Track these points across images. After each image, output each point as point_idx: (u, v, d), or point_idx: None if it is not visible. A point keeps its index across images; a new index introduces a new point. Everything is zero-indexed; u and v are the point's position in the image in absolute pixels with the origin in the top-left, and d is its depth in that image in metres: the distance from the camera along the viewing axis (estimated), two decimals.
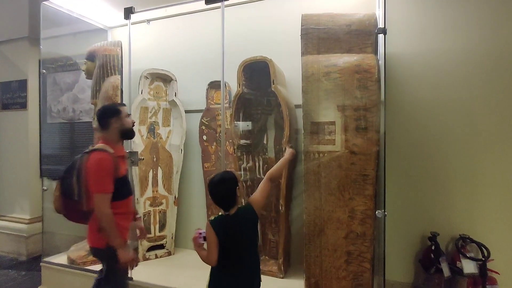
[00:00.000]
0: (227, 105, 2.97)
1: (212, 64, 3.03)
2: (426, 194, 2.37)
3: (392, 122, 2.37)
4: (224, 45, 2.33)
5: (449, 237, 2.30)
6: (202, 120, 3.04)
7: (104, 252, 1.84)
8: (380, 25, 1.98)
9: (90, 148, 1.89)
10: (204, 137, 3.05)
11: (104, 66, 2.85)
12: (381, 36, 1.97)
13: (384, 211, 1.90)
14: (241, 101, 2.72)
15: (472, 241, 2.18)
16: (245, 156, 2.84)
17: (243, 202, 2.09)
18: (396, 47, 2.36)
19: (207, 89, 3.02)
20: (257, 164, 2.90)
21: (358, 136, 1.98)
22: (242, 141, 2.80)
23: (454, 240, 2.24)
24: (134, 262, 1.92)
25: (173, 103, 3.08)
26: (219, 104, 3.01)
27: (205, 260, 1.66)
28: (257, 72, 2.74)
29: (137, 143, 2.89)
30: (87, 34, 3.56)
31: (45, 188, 3.11)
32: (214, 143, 3.04)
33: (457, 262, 2.16)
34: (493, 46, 2.20)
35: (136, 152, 2.62)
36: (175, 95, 3.06)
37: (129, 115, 2.01)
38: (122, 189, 1.87)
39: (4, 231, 4.00)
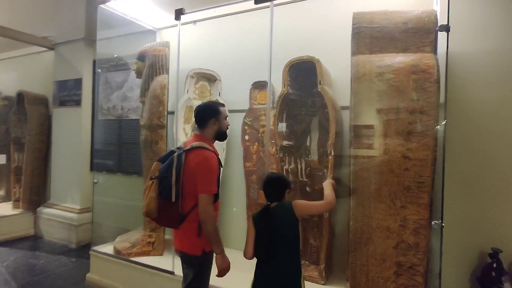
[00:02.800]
0: (270, 105, 2.95)
1: (256, 64, 3.04)
2: (487, 206, 2.17)
3: (452, 126, 2.20)
4: (272, 45, 2.29)
5: None
6: (245, 120, 3.05)
7: (198, 260, 1.76)
8: (442, 22, 1.84)
9: (185, 145, 1.80)
10: (246, 137, 3.05)
11: (153, 65, 2.95)
12: (442, 34, 1.83)
13: (442, 222, 1.77)
14: (285, 102, 2.67)
15: None
16: (287, 158, 2.79)
17: None
18: (456, 46, 2.19)
19: (250, 89, 3.02)
20: (299, 166, 2.84)
21: (413, 141, 1.86)
22: (285, 142, 2.75)
23: None
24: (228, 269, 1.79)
25: None
26: (262, 104, 2.99)
27: (244, 253, 1.75)
28: (302, 72, 2.69)
29: (182, 141, 2.95)
30: (137, 35, 3.72)
31: (95, 181, 3.29)
32: (256, 143, 3.03)
33: None
34: None
35: None
36: (219, 95, 3.09)
37: (226, 117, 1.94)
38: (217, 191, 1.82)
39: (56, 219, 4.30)
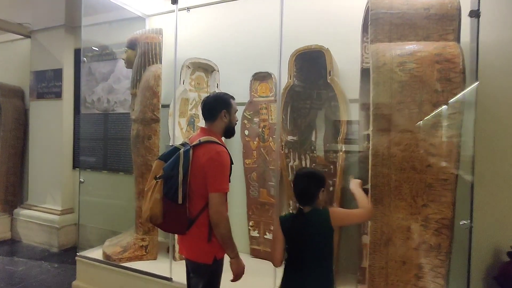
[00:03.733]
0: (272, 98, 2.79)
1: (256, 54, 2.86)
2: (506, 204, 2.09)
3: (482, 121, 2.07)
4: (282, 33, 2.11)
5: None
6: (245, 113, 2.86)
7: (209, 268, 1.57)
8: (471, 7, 1.72)
9: (191, 141, 1.60)
10: (246, 132, 2.87)
11: (145, 54, 2.71)
12: (471, 21, 1.71)
13: (471, 222, 1.66)
14: (290, 94, 2.51)
15: None
16: (291, 154, 2.64)
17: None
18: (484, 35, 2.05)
19: (251, 81, 2.83)
20: (303, 163, 2.70)
21: (437, 135, 1.75)
22: (289, 138, 2.60)
23: None
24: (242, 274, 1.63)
25: None
26: (263, 97, 2.82)
27: (271, 258, 1.60)
28: (306, 63, 2.53)
29: (177, 136, 2.74)
30: (124, 22, 3.45)
31: (82, 180, 3.02)
32: (257, 139, 2.86)
33: None
34: None
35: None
36: (217, 87, 2.89)
37: (236, 111, 1.76)
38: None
39: (36, 221, 3.98)
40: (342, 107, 2.23)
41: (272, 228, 2.78)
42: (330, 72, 2.27)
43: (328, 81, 2.28)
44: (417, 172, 1.77)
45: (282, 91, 2.46)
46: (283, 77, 2.51)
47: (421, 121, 1.75)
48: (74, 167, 3.96)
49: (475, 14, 1.65)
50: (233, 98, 1.74)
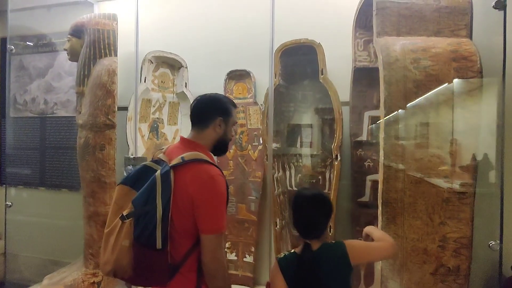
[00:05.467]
0: (250, 99, 2.44)
1: (231, 49, 2.49)
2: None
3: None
4: (273, 25, 1.78)
5: None
6: None
7: None
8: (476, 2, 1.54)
9: (169, 156, 1.19)
10: None
11: (95, 44, 2.20)
12: (496, 14, 1.53)
13: (501, 242, 1.46)
14: (274, 96, 2.19)
15: None
16: (275, 164, 2.31)
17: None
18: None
19: (225, 80, 2.45)
20: (287, 173, 2.38)
21: (454, 142, 1.54)
22: (272, 145, 2.26)
23: None
24: None
25: (182, 96, 2.48)
26: (240, 98, 2.45)
27: None
28: (290, 61, 2.23)
29: (138, 145, 2.26)
30: (66, 8, 2.87)
31: (9, 204, 2.38)
32: (233, 146, 2.48)
33: None
34: None
35: (144, 158, 2.01)
36: (185, 86, 2.46)
37: (235, 123, 1.34)
38: None
39: None
40: (337, 110, 1.96)
41: (252, 249, 2.42)
42: (322, 70, 1.99)
43: (321, 80, 2.00)
44: (433, 186, 1.54)
45: (266, 92, 2.12)
46: (265, 76, 2.18)
47: (438, 126, 1.53)
48: (1, 183, 3.22)
49: (501, 5, 1.46)
50: (235, 106, 1.34)
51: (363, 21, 2.07)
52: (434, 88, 1.52)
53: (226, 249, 2.46)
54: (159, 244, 1.03)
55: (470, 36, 1.63)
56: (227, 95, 2.46)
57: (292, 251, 1.24)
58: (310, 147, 2.34)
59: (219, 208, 1.11)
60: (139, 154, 2.26)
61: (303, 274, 1.16)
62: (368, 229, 1.37)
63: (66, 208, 2.88)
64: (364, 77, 2.13)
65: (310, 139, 2.34)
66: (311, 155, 2.33)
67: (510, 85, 1.61)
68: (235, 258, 2.46)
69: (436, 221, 1.55)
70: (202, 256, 1.09)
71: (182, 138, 1.27)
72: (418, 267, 1.57)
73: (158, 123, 2.42)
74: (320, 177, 2.30)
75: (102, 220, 2.14)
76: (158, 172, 1.09)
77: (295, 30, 2.20)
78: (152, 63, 2.34)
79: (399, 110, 1.53)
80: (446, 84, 1.52)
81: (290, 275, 1.17)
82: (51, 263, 2.74)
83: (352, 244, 1.21)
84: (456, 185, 1.54)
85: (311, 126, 2.34)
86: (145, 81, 2.27)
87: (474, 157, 1.53)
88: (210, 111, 1.23)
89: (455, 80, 1.52)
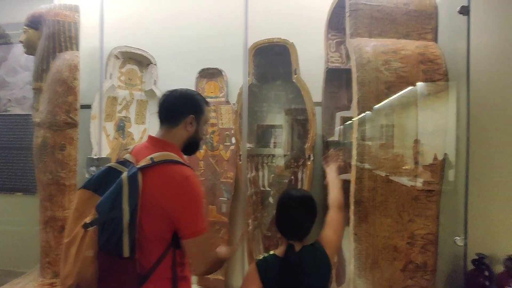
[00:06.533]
0: (222, 99, 2.38)
1: (203, 47, 2.43)
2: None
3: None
4: (247, 22, 1.75)
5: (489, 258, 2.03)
6: None
7: None
8: (459, 3, 1.61)
9: (136, 156, 1.11)
10: None
11: (55, 37, 2.04)
12: (460, 19, 1.59)
13: (466, 237, 1.52)
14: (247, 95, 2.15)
15: None
16: (248, 164, 2.27)
17: None
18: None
19: (196, 78, 2.38)
20: (260, 173, 2.36)
21: (422, 142, 1.59)
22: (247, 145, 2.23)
23: (500, 262, 1.97)
24: None
25: (151, 94, 2.37)
26: (212, 97, 2.39)
27: None
28: (263, 59, 2.21)
29: (102, 145, 2.13)
30: None
31: None
32: (204, 146, 2.41)
33: (506, 286, 1.89)
34: None
35: (109, 159, 1.89)
36: (154, 84, 2.36)
37: (207, 122, 1.30)
38: None
39: None
40: (309, 111, 1.96)
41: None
42: (295, 70, 1.99)
43: (294, 80, 1.99)
44: (404, 184, 1.59)
45: (239, 91, 2.09)
46: (238, 75, 2.15)
47: (408, 128, 1.58)
48: None
49: (465, 10, 1.53)
50: (208, 103, 1.28)
51: (335, 23, 2.09)
52: (405, 88, 1.56)
53: None
54: (126, 252, 0.95)
55: (436, 40, 1.70)
56: None
57: (272, 253, 1.21)
58: (283, 147, 2.33)
59: (199, 209, 1.05)
60: (104, 155, 2.13)
61: (286, 276, 1.13)
62: (331, 177, 1.47)
63: (21, 213, 2.66)
64: (336, 78, 2.16)
65: (283, 139, 2.34)
66: (284, 155, 2.32)
67: (474, 87, 1.69)
68: None
69: (405, 218, 1.59)
70: (192, 263, 1.04)
71: (150, 137, 1.20)
72: (389, 264, 1.60)
73: (124, 122, 2.30)
74: (292, 177, 2.30)
75: (59, 226, 1.99)
76: (125, 174, 1.01)
77: (270, 30, 2.18)
78: (119, 58, 2.22)
79: (371, 111, 1.56)
80: (412, 87, 1.57)
81: (270, 278, 1.14)
82: (4, 274, 2.51)
83: (325, 239, 1.21)
84: (424, 184, 1.60)
85: (284, 126, 2.33)
86: (110, 78, 2.15)
87: (441, 157, 1.59)
88: (181, 108, 1.16)
89: (424, 83, 1.57)
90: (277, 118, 2.35)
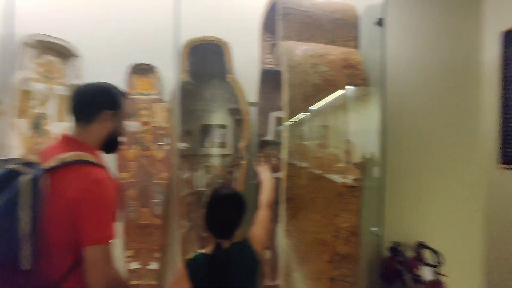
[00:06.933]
0: (155, 96, 2.29)
1: (135, 41, 2.30)
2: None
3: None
4: (179, 18, 1.70)
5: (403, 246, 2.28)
6: None
7: None
8: (377, 15, 1.76)
9: (44, 158, 0.98)
10: None
11: None
12: (379, 30, 1.74)
13: (379, 228, 1.67)
14: (182, 93, 2.10)
15: (427, 247, 2.20)
16: (184, 164, 2.21)
17: None
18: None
19: (127, 74, 2.24)
20: (196, 173, 2.31)
21: (347, 142, 1.71)
22: (180, 145, 2.17)
23: (411, 248, 2.22)
24: None
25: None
26: (144, 94, 2.28)
27: None
28: (198, 58, 2.18)
29: (14, 146, 1.89)
30: None
31: None
32: (134, 147, 2.29)
33: (415, 269, 2.14)
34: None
35: (19, 160, 1.67)
36: (77, 77, 2.16)
37: (128, 116, 1.21)
38: None
39: None
40: (244, 110, 1.98)
41: (157, 255, 2.27)
42: (230, 70, 1.99)
43: (228, 80, 1.99)
44: (331, 181, 1.69)
45: (173, 88, 2.02)
46: (172, 72, 2.08)
47: (334, 128, 1.69)
48: None
49: (380, 22, 1.68)
50: (125, 96, 1.20)
51: (270, 26, 2.14)
52: (332, 92, 1.67)
53: (127, 258, 2.25)
54: (26, 264, 0.85)
55: (357, 47, 1.85)
56: (129, 90, 2.26)
57: (201, 251, 1.20)
58: (220, 147, 2.32)
59: (104, 214, 0.98)
60: (17, 155, 1.89)
61: (215, 274, 1.13)
62: (264, 176, 1.54)
63: None
64: (271, 79, 2.21)
65: (220, 138, 2.33)
66: (221, 155, 2.32)
67: (391, 93, 1.88)
68: (139, 267, 2.27)
69: (332, 213, 1.70)
70: (87, 273, 0.94)
71: (63, 136, 1.09)
72: (317, 257, 1.69)
73: (41, 119, 2.07)
74: (229, 177, 2.30)
75: None
76: (25, 177, 0.90)
77: (206, 28, 2.15)
78: (35, 48, 1.98)
79: (300, 112, 1.63)
80: (341, 90, 1.69)
81: (200, 276, 1.13)
82: None
83: (253, 237, 1.24)
84: (349, 180, 1.72)
85: (221, 125, 2.32)
86: (23, 69, 1.91)
87: (362, 155, 1.73)
88: (95, 103, 1.08)
89: (350, 87, 1.69)
90: (214, 118, 2.33)
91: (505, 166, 2.11)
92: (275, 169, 1.92)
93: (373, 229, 1.73)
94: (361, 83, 1.71)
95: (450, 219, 2.30)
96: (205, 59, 2.17)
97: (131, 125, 2.18)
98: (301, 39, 1.75)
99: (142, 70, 2.26)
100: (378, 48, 1.76)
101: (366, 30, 1.82)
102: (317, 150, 1.67)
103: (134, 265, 2.27)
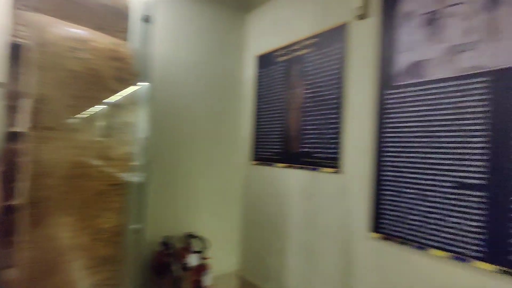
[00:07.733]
0: None
1: None
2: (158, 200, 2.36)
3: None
4: None
5: (175, 239, 2.42)
6: None
7: None
8: (144, 10, 1.74)
9: None
10: None
11: None
12: (148, 26, 1.73)
13: (138, 225, 1.67)
14: None
15: (194, 236, 2.43)
16: None
17: None
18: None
19: None
20: None
21: (113, 138, 1.61)
22: None
23: (180, 239, 2.39)
24: None
25: None
26: None
27: None
28: None
29: None
30: None
31: None
32: None
33: (183, 259, 2.31)
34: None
35: None
36: None
37: None
38: None
39: None
40: None
41: None
42: None
43: None
44: (91, 179, 1.54)
45: None
46: None
47: (96, 122, 1.55)
48: None
49: (146, 18, 1.68)
50: None
51: None
52: (95, 81, 1.53)
53: None
54: None
55: (127, 39, 1.80)
56: None
57: None
58: None
59: None
60: None
61: None
62: None
63: None
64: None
65: None
66: None
67: (158, 90, 1.93)
68: None
69: (91, 214, 1.56)
70: None
71: None
72: (72, 264, 1.50)
73: None
74: None
75: None
76: None
77: None
78: None
79: (51, 98, 1.40)
80: (103, 81, 1.58)
81: None
82: None
83: None
84: (111, 178, 1.63)
85: None
86: None
87: (126, 152, 1.68)
88: None
89: (115, 79, 1.61)
90: None
91: (256, 162, 2.63)
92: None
93: (134, 226, 1.72)
94: (129, 78, 1.67)
95: (215, 208, 2.64)
96: None
97: None
98: (60, 16, 1.51)
99: None
100: (147, 44, 1.77)
101: (138, 25, 1.79)
102: (72, 144, 1.48)
103: None
